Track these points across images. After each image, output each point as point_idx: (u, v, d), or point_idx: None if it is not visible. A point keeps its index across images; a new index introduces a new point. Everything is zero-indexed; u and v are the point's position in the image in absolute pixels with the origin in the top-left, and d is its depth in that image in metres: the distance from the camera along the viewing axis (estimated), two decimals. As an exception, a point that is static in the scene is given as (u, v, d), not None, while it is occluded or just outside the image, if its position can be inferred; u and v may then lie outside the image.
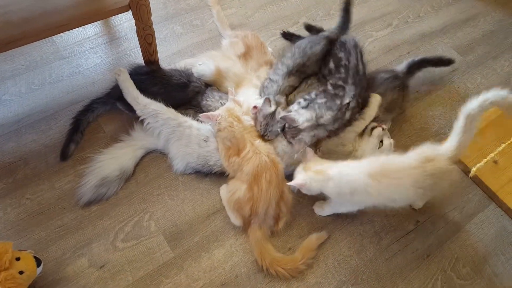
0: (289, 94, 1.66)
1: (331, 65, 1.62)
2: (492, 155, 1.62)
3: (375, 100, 1.61)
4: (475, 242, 1.56)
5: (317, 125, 1.47)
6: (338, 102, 1.50)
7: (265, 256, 1.40)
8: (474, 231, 1.59)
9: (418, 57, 1.89)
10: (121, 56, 1.92)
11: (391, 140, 1.63)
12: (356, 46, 1.63)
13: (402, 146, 1.75)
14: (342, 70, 1.57)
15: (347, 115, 1.51)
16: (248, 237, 1.46)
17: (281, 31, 2.04)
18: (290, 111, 1.53)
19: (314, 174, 1.36)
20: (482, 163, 1.51)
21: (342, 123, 1.51)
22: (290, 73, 1.63)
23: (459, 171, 1.34)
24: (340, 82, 1.54)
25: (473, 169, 1.53)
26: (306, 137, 1.47)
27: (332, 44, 1.69)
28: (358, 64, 1.58)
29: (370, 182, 1.29)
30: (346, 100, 1.49)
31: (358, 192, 1.31)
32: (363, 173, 1.31)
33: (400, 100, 1.76)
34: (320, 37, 1.73)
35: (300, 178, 1.38)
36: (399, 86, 1.72)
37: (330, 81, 1.57)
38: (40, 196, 1.51)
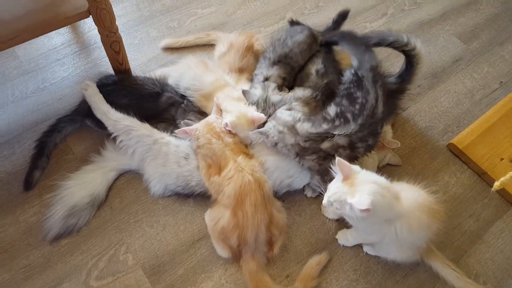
0: (281, 86, 1.50)
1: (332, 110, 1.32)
2: None
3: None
4: (495, 254, 1.39)
5: (291, 126, 1.27)
6: (324, 126, 1.26)
7: None
8: (493, 241, 1.42)
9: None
10: (91, 67, 1.73)
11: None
12: (375, 81, 1.29)
13: (407, 147, 1.60)
14: (357, 106, 1.28)
15: (324, 145, 1.26)
16: (241, 269, 1.29)
17: (289, 19, 1.82)
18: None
19: (384, 191, 1.05)
20: (508, 176, 1.25)
21: (314, 147, 1.26)
22: (273, 63, 1.50)
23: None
24: (348, 114, 1.27)
25: (496, 183, 1.28)
26: (272, 129, 1.30)
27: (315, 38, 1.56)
28: (376, 105, 1.28)
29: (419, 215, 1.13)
30: (335, 132, 1.25)
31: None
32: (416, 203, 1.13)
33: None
34: (301, 27, 1.61)
35: (366, 199, 0.99)
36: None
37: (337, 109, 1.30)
38: (3, 232, 1.34)
